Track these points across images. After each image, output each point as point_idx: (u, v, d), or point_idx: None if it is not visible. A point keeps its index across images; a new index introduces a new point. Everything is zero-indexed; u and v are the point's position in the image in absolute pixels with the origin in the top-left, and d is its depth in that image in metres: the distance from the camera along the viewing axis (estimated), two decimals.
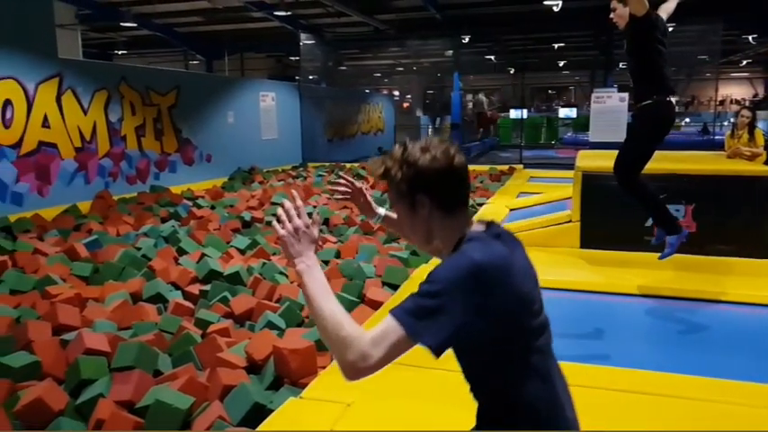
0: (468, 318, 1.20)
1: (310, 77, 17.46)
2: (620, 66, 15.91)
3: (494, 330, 1.24)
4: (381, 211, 1.80)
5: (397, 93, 27.85)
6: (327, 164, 14.39)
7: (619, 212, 4.85)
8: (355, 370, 1.18)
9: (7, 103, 7.54)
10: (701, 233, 4.87)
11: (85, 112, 8.81)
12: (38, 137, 8.00)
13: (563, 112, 27.45)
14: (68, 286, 4.63)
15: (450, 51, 17.47)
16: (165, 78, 10.72)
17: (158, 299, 4.44)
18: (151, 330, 3.76)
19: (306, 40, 16.58)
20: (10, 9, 7.56)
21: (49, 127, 8.15)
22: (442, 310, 1.19)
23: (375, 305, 4.13)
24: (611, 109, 11.57)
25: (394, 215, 1.64)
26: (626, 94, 11.38)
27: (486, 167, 12.85)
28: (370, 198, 1.82)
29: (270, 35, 17.76)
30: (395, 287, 4.57)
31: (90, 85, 8.87)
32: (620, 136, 8.64)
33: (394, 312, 1.21)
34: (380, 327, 1.20)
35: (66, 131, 8.45)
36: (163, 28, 16.35)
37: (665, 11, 3.93)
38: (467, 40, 16.00)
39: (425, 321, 1.19)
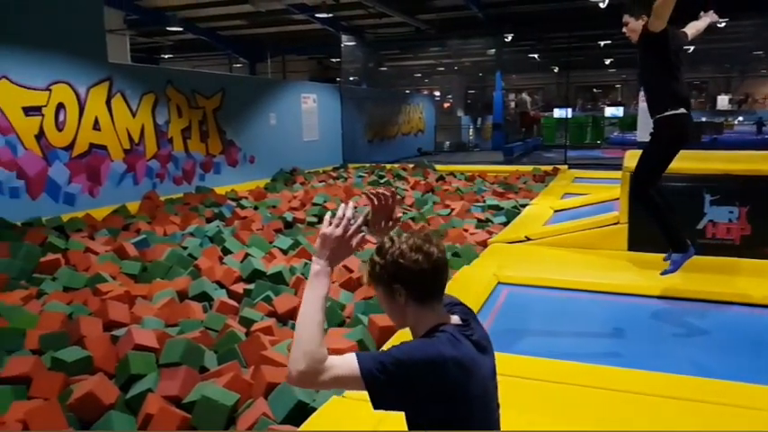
0: (416, 399, 1.33)
1: (351, 79, 17.57)
2: None
3: (438, 413, 1.34)
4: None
5: (437, 93, 27.75)
6: (367, 165, 14.45)
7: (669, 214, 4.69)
8: (300, 379, 1.32)
9: (60, 106, 7.83)
10: (755, 236, 4.67)
11: (134, 115, 9.08)
12: (89, 139, 8.28)
13: (609, 111, 26.86)
14: (118, 284, 4.77)
15: (493, 50, 17.30)
16: (210, 81, 10.95)
17: (204, 297, 4.53)
18: (197, 328, 3.84)
19: (347, 41, 16.70)
20: (63, 16, 7.86)
21: (99, 129, 8.44)
22: (399, 381, 1.30)
23: None
24: None
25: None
26: None
27: (529, 168, 12.66)
28: (390, 222, 1.82)
29: (311, 37, 17.95)
30: None
31: (138, 89, 9.14)
32: None
33: (360, 355, 1.34)
34: (342, 358, 1.33)
35: (116, 134, 8.73)
36: (207, 32, 16.73)
37: (693, 28, 3.86)
38: (509, 38, 15.81)
39: (380, 378, 1.30)
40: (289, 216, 7.67)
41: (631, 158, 5.79)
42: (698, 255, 4.07)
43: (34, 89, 7.46)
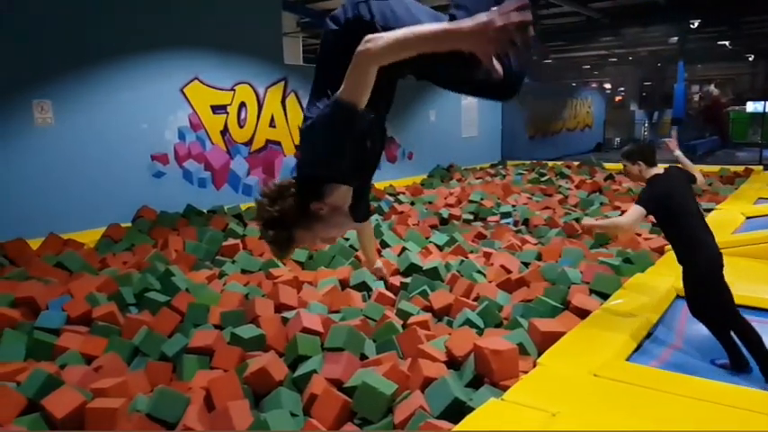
0: None
1: None
2: None
3: None
4: None
5: (608, 86, 25.98)
6: (527, 162, 13.96)
7: None
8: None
9: (242, 105, 8.61)
10: None
11: None
12: (266, 135, 9.01)
13: None
14: (287, 270, 5.10)
15: (675, 38, 15.73)
16: None
17: (363, 287, 4.67)
18: (357, 316, 3.97)
19: None
20: (246, 22, 8.60)
21: (275, 126, 9.13)
22: None
23: (581, 313, 3.85)
24: None
25: None
26: None
27: (715, 168, 11.33)
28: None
29: None
30: (604, 296, 4.21)
31: (309, 88, 9.71)
32: None
33: None
34: None
35: (289, 131, 9.38)
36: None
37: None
38: (695, 24, 14.26)
39: None
40: (445, 212, 7.65)
41: None
42: None
43: (221, 89, 8.27)
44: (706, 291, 3.29)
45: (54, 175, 6.44)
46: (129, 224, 6.81)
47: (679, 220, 3.32)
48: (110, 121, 6.94)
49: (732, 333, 3.26)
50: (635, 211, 3.36)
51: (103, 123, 6.88)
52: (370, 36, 1.42)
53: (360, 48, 1.41)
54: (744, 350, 3.24)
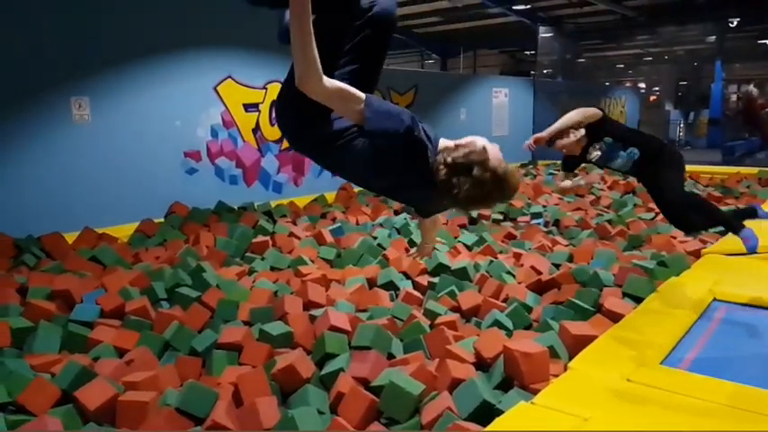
0: None
1: (545, 72, 16.87)
2: None
3: None
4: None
5: (642, 85, 25.43)
6: (559, 162, 13.72)
7: None
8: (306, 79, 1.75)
9: (273, 104, 8.67)
10: None
11: None
12: None
13: None
14: (316, 267, 5.11)
15: (713, 37, 15.31)
16: (405, 78, 11.29)
17: (391, 286, 4.65)
18: (385, 315, 3.96)
19: (544, 33, 16.04)
20: (274, 19, 8.64)
21: None
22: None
23: (614, 317, 3.76)
24: None
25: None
26: None
27: (754, 170, 11.00)
28: None
29: (504, 31, 17.61)
30: (638, 299, 4.11)
31: None
32: None
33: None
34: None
35: None
36: (403, 30, 17.31)
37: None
38: (734, 23, 13.86)
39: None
40: (473, 212, 7.59)
41: None
42: None
43: (253, 87, 8.35)
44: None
45: (90, 171, 6.58)
46: (162, 220, 6.92)
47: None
48: (144, 118, 7.07)
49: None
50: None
51: (138, 120, 7.01)
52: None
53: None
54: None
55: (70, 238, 5.92)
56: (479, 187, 1.86)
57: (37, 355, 3.37)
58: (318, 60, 1.74)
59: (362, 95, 1.85)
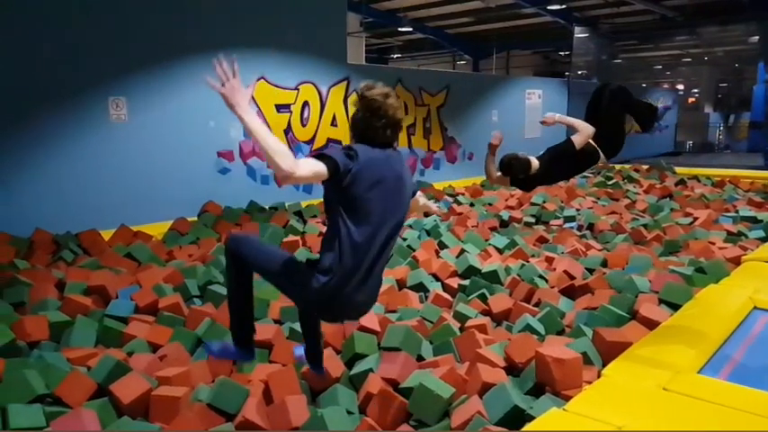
0: None
1: (579, 73, 16.61)
2: None
3: None
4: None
5: (680, 87, 24.84)
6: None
7: None
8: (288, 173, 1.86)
9: (305, 104, 8.73)
10: None
11: None
12: (327, 134, 9.10)
13: None
14: None
15: (756, 37, 14.86)
16: (436, 79, 11.25)
17: (420, 288, 4.63)
18: (414, 316, 3.93)
19: (579, 33, 15.79)
20: (313, 22, 8.72)
21: (336, 126, 9.21)
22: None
23: (650, 324, 3.67)
24: None
25: None
26: None
27: None
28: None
29: (539, 31, 17.40)
30: (674, 307, 4.00)
31: None
32: None
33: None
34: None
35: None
36: (435, 30, 17.26)
37: None
38: None
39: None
40: (505, 215, 7.51)
41: None
42: None
43: (285, 89, 8.42)
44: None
45: (126, 170, 6.73)
46: (195, 218, 7.04)
47: None
48: (179, 118, 7.20)
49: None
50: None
51: (173, 121, 7.14)
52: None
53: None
54: None
55: (106, 235, 6.06)
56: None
57: (74, 349, 3.46)
58: None
59: None
